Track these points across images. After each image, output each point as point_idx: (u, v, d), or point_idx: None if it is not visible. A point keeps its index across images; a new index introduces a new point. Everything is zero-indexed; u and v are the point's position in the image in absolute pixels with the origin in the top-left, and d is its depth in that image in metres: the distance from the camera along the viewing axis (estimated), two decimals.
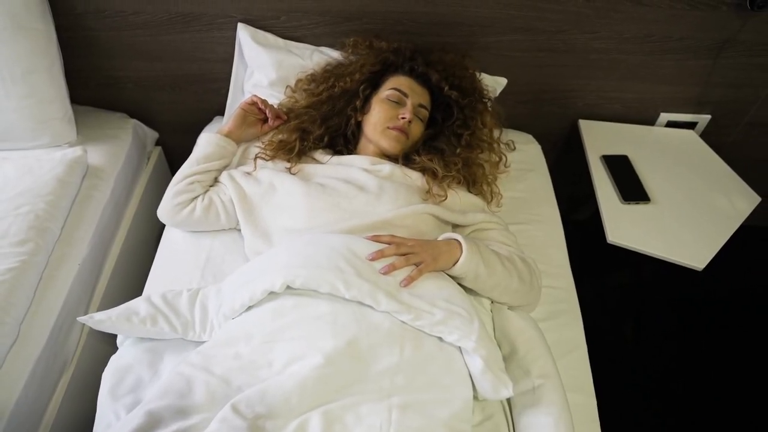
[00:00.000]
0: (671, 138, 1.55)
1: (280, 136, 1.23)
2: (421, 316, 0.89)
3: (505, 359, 0.98)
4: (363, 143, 1.24)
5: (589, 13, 1.33)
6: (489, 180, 1.26)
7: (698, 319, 1.72)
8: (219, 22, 1.35)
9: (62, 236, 1.22)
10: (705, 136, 1.58)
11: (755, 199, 1.39)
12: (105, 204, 1.34)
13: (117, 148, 1.44)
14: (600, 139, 1.52)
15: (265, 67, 1.34)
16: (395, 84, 1.20)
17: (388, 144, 1.17)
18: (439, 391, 0.85)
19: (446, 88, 1.22)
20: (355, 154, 1.24)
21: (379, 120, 1.18)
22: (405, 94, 1.19)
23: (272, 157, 1.21)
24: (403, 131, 1.17)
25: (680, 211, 1.35)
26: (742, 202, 1.38)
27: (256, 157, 1.22)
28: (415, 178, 1.17)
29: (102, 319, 0.98)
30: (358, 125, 1.24)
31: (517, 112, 1.54)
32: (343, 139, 1.26)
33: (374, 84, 1.24)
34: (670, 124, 1.58)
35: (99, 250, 1.31)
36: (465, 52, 1.31)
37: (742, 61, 1.41)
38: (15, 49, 1.22)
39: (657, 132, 1.57)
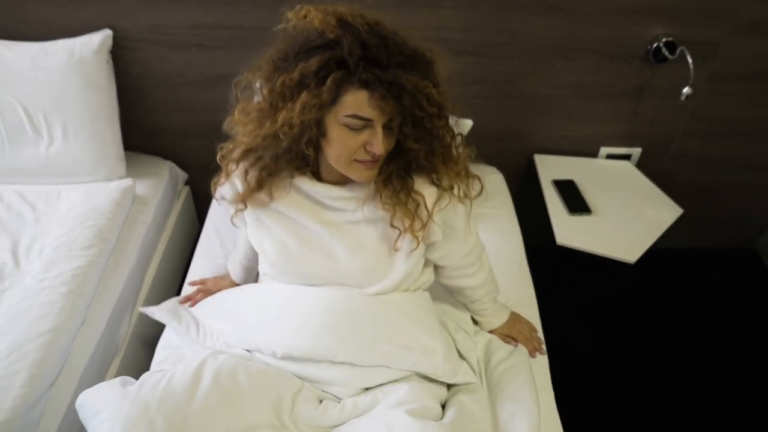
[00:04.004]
0: (610, 167, 1.89)
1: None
2: (399, 363, 1.09)
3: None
4: (326, 163, 1.04)
5: (532, 67, 1.69)
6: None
7: (656, 336, 1.99)
8: None
9: (117, 247, 1.52)
10: (641, 166, 1.91)
11: (678, 211, 1.70)
12: (148, 225, 1.65)
13: (156, 183, 1.76)
14: (552, 169, 1.85)
15: None
16: (353, 107, 0.90)
17: (358, 176, 1.00)
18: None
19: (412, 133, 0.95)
20: (320, 176, 1.08)
21: (342, 152, 0.96)
22: (369, 120, 0.92)
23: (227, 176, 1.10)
24: (373, 162, 0.98)
25: (617, 220, 1.66)
26: (667, 212, 1.70)
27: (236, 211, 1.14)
28: (385, 217, 1.06)
29: (160, 315, 1.28)
30: (317, 144, 0.99)
31: (483, 150, 1.87)
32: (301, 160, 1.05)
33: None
34: (610, 156, 1.92)
35: (143, 260, 1.61)
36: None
37: (657, 103, 1.77)
38: (87, 101, 1.56)
39: (598, 163, 1.91)
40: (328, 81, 0.88)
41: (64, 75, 1.53)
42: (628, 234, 1.61)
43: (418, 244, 1.06)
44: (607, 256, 1.55)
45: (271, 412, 1.03)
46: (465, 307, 1.31)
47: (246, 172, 1.07)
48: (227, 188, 1.13)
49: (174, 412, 0.95)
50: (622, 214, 1.69)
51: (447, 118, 0.99)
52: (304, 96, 0.90)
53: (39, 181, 1.62)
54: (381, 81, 0.88)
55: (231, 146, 1.06)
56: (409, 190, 1.03)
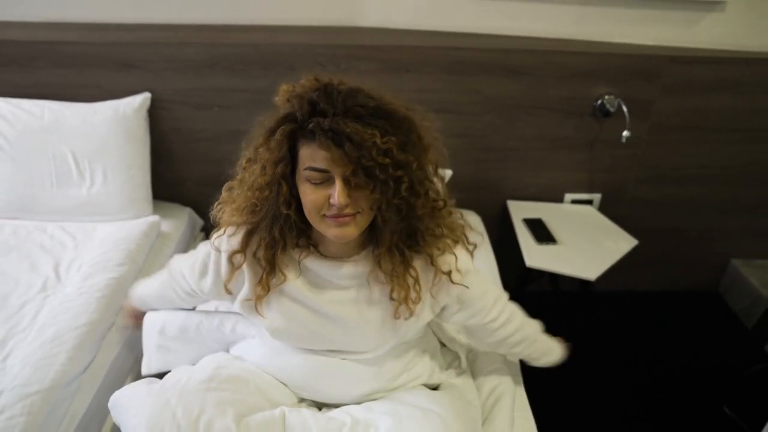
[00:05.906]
0: (575, 210, 2.15)
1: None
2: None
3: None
4: (322, 236, 1.06)
5: (501, 123, 2.01)
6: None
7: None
8: None
9: (143, 269, 1.75)
10: (603, 210, 2.17)
11: (633, 242, 1.94)
12: (170, 256, 1.87)
13: (177, 224, 2.01)
14: (523, 212, 2.10)
15: None
16: (308, 159, 0.94)
17: (331, 233, 0.98)
18: None
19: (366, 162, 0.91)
20: (320, 248, 1.10)
21: (311, 208, 0.98)
22: (325, 171, 0.93)
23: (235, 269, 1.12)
24: (343, 216, 0.96)
25: (579, 248, 1.90)
26: (624, 243, 1.94)
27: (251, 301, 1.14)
28: (386, 295, 1.10)
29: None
30: (298, 207, 1.02)
31: (461, 197, 2.13)
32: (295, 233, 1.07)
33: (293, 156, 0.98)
34: (574, 201, 2.19)
35: None
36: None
37: (608, 153, 2.07)
38: (125, 150, 1.86)
39: (564, 207, 2.17)
40: (277, 133, 0.95)
41: (109, 129, 1.84)
42: (588, 258, 1.84)
43: (410, 315, 1.09)
44: (570, 275, 1.78)
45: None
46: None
47: (255, 258, 1.09)
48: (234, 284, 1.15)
49: (191, 404, 1.09)
50: (583, 244, 1.93)
51: (407, 170, 0.95)
52: (262, 154, 0.98)
53: (78, 219, 1.88)
54: (323, 129, 0.91)
55: (223, 230, 1.12)
56: (407, 265, 1.06)
